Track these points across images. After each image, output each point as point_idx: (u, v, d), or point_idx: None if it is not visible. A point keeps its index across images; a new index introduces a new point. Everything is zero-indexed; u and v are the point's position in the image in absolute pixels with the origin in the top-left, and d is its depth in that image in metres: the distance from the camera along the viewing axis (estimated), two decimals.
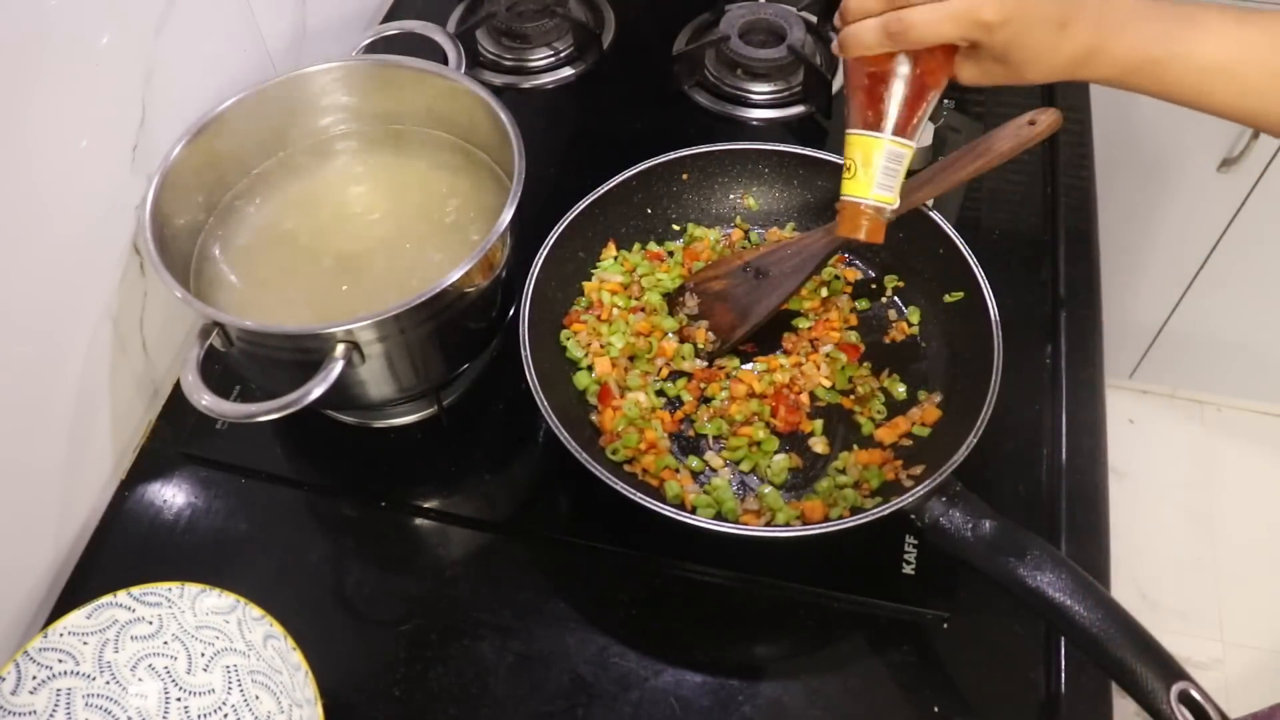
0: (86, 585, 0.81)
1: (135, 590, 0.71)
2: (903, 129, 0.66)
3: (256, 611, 0.70)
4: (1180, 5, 0.63)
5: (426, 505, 0.86)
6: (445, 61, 0.91)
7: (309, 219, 0.88)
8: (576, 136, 1.14)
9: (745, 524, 0.76)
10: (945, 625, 0.77)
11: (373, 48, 0.95)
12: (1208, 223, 1.57)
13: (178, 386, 0.93)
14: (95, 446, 0.85)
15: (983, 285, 0.82)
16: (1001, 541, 0.68)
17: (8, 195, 0.70)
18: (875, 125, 0.66)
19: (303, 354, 0.73)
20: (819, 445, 0.83)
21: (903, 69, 0.64)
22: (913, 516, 0.71)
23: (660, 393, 0.86)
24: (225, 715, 0.72)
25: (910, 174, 0.84)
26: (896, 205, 0.69)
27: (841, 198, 0.70)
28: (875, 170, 0.67)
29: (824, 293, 0.92)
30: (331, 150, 0.93)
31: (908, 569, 0.78)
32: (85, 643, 0.71)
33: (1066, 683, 0.74)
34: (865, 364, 0.88)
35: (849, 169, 0.69)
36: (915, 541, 0.79)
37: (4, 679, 0.68)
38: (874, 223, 0.70)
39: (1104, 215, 1.04)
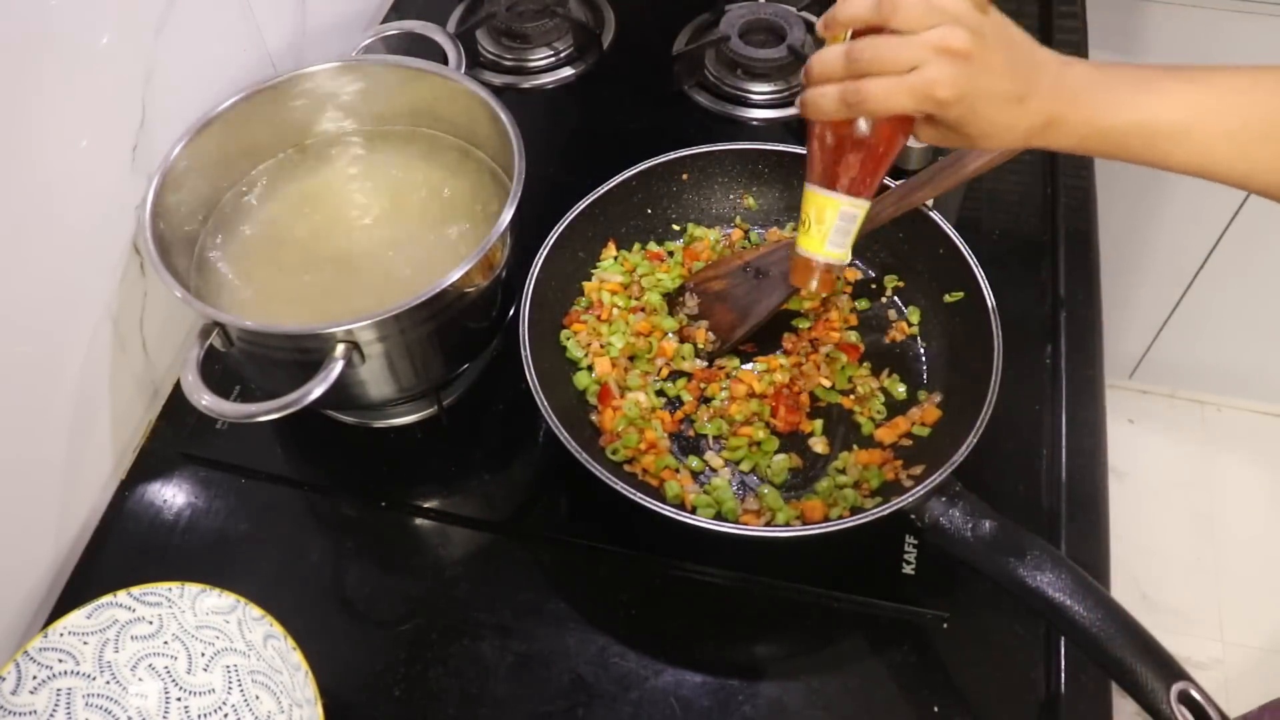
0: (86, 585, 0.81)
1: (135, 590, 0.71)
2: (857, 190, 0.68)
3: (256, 611, 0.70)
4: (1133, 70, 0.64)
5: (426, 505, 0.86)
6: (445, 61, 0.91)
7: (309, 219, 0.88)
8: (576, 136, 1.14)
9: (745, 524, 0.76)
10: (945, 625, 0.77)
11: (373, 48, 0.95)
12: (1208, 223, 1.57)
13: (178, 386, 0.93)
14: (95, 446, 0.85)
15: (983, 285, 0.82)
16: (1001, 541, 0.68)
17: (8, 195, 0.70)
18: (830, 184, 0.68)
19: (303, 354, 0.73)
20: (819, 445, 0.83)
21: (860, 133, 0.66)
22: (913, 516, 0.71)
23: (660, 393, 0.86)
24: (225, 715, 0.72)
25: (910, 174, 0.84)
26: (848, 261, 0.72)
27: (795, 249, 0.72)
28: (828, 229, 0.69)
29: (824, 293, 0.91)
30: (331, 150, 0.93)
31: (908, 569, 0.78)
32: (85, 643, 0.71)
33: (1066, 683, 0.74)
34: (865, 364, 0.88)
35: (804, 223, 0.71)
36: (915, 541, 0.79)
37: (4, 679, 0.68)
38: (825, 277, 0.73)
39: (1104, 215, 1.04)
